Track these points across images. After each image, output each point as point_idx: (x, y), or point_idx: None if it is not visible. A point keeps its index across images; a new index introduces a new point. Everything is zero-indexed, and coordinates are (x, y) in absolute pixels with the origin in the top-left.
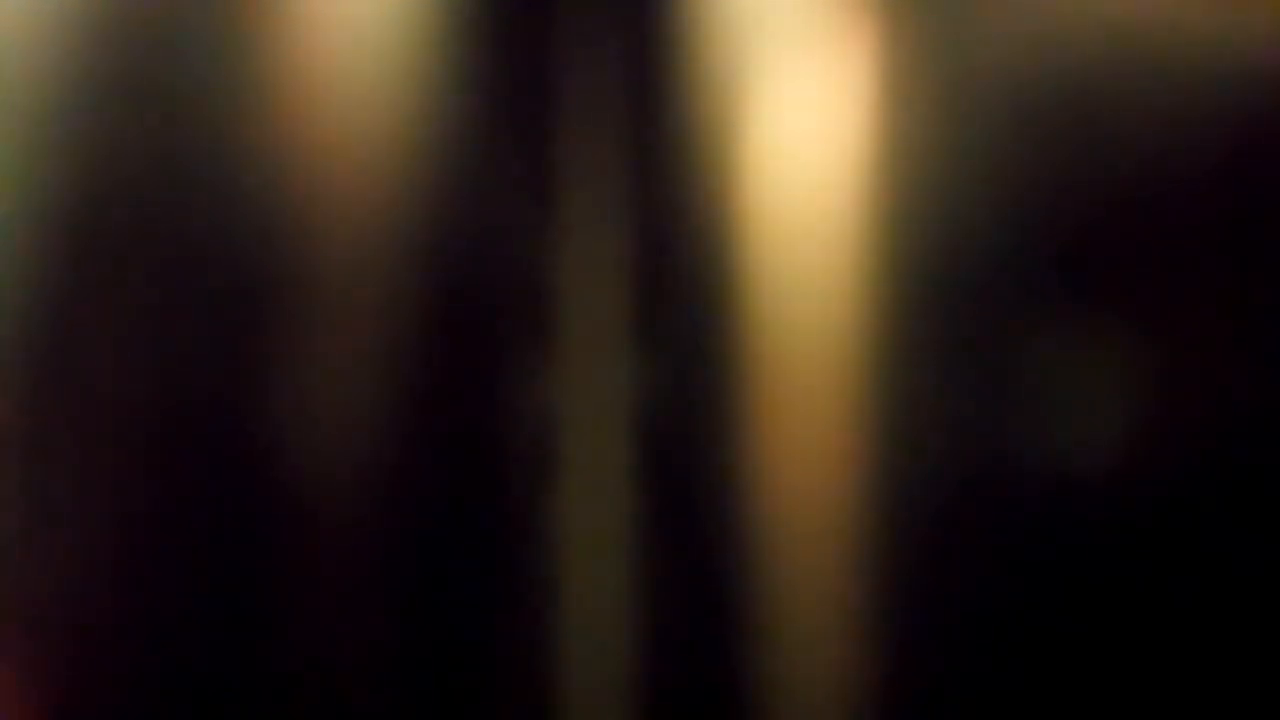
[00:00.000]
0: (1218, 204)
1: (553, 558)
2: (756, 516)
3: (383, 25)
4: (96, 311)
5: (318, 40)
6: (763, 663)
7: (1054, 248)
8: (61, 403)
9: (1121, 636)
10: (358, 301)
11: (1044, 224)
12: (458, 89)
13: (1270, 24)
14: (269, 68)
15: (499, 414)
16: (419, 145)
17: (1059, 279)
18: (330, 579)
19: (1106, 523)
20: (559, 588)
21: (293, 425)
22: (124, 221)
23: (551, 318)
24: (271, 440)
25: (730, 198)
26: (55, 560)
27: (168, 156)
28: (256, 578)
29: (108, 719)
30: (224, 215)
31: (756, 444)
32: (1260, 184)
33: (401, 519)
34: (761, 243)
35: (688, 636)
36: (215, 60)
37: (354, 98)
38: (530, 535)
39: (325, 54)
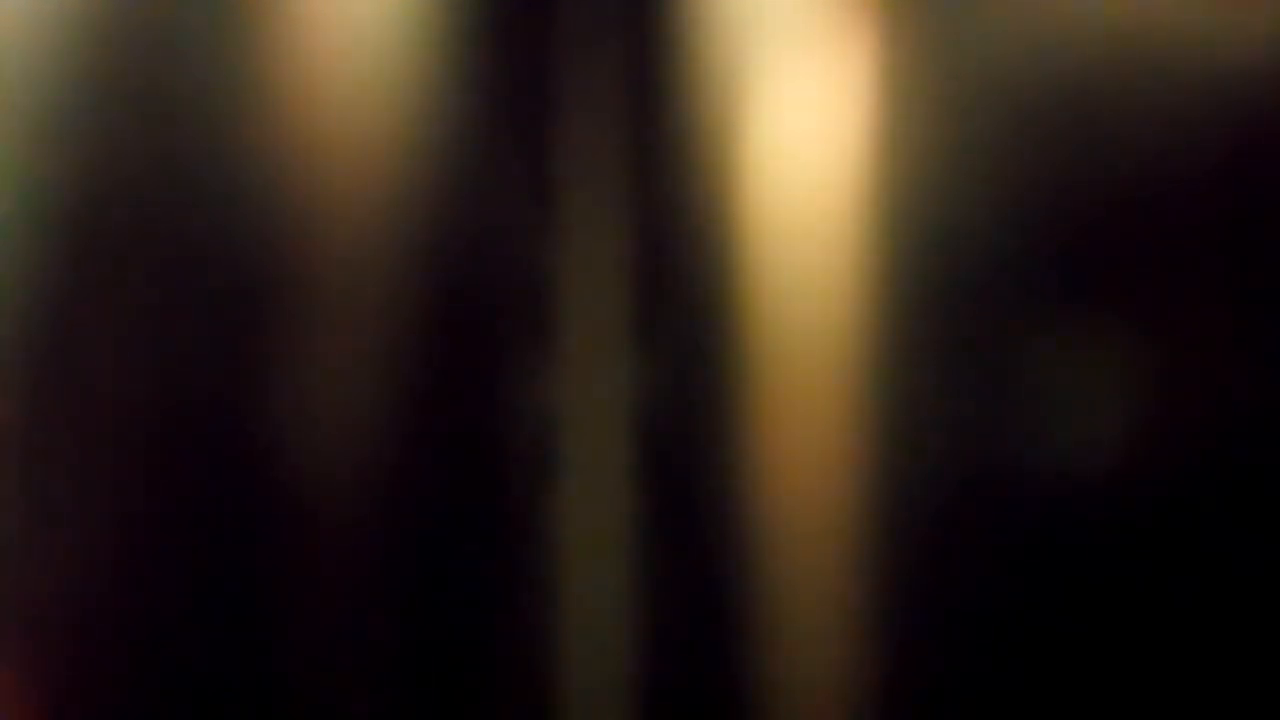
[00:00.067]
0: (1218, 204)
1: (553, 558)
2: (756, 517)
3: (382, 25)
4: (96, 311)
5: (318, 40)
6: (763, 663)
7: (1054, 248)
8: (61, 403)
9: (1121, 636)
10: (358, 301)
11: (1044, 224)
12: (458, 89)
13: (1270, 24)
14: (269, 68)
15: (499, 414)
16: (419, 145)
17: (1059, 279)
18: (330, 579)
19: (1106, 523)
20: (559, 588)
21: (293, 425)
22: (124, 221)
23: (551, 318)
24: (271, 440)
25: (730, 198)
26: (55, 560)
27: (168, 156)
28: (256, 578)
29: (108, 719)
30: (224, 215)
31: (756, 444)
32: (1260, 184)
33: (401, 519)
34: (761, 243)
35: (688, 636)
36: (215, 60)
37: (354, 98)
38: (530, 535)
39: (325, 54)
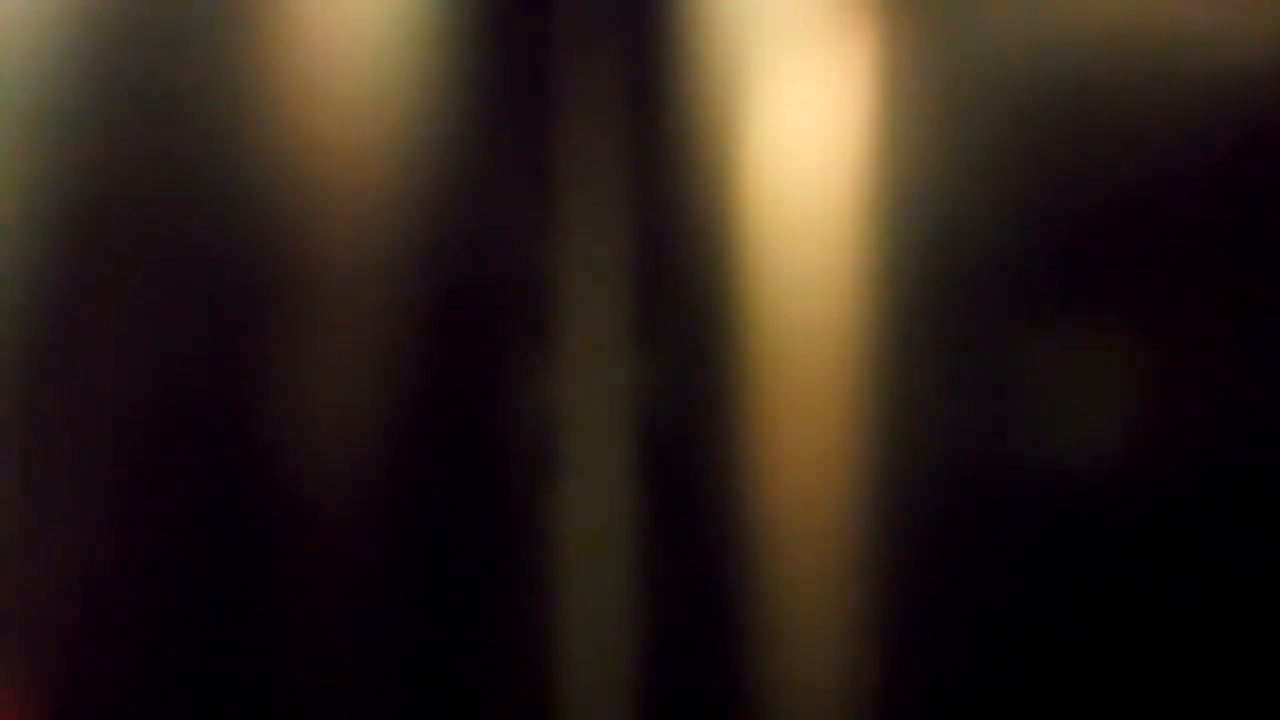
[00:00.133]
0: (1218, 204)
1: (553, 558)
2: (756, 517)
3: (382, 25)
4: (96, 311)
5: (318, 40)
6: (763, 663)
7: (1054, 248)
8: (61, 403)
9: (1121, 636)
10: (358, 301)
11: (1044, 224)
12: (458, 89)
13: (1270, 24)
14: (269, 68)
15: (499, 414)
16: (419, 145)
17: (1059, 279)
18: (330, 579)
19: (1106, 523)
20: (559, 588)
21: (293, 425)
22: (124, 221)
23: (551, 318)
24: (271, 440)
25: (730, 198)
26: (55, 560)
27: (168, 156)
28: (256, 578)
29: (107, 719)
30: (224, 215)
31: (756, 444)
32: (1260, 184)
33: (402, 519)
34: (761, 243)
35: (688, 636)
36: (215, 60)
37: (354, 98)
38: (530, 535)
39: (325, 54)
